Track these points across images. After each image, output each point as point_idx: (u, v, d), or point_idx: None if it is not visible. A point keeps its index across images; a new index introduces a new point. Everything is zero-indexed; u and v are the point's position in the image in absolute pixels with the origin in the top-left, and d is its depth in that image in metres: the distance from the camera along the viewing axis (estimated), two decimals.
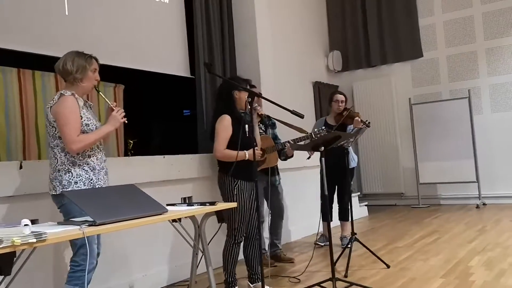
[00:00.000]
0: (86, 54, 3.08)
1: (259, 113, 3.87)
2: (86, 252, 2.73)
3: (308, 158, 5.59)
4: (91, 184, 2.99)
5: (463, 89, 8.65)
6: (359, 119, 5.29)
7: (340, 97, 5.62)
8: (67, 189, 2.89)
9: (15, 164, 3.39)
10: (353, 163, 5.77)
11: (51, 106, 2.97)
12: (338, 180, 5.55)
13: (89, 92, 3.30)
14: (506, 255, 4.66)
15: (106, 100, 3.17)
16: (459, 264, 4.45)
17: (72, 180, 2.93)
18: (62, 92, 3.00)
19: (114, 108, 3.10)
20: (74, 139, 2.90)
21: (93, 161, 3.03)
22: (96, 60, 3.13)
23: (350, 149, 5.60)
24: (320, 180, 5.28)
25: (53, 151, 2.98)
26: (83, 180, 2.95)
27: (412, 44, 9.18)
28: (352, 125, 5.43)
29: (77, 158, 2.97)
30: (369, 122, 5.35)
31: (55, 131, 2.97)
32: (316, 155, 5.49)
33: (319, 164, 5.65)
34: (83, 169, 2.97)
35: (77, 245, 2.86)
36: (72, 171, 2.94)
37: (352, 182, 6.06)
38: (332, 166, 4.77)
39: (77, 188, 2.91)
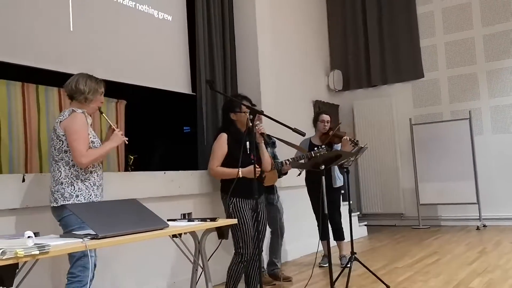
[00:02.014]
0: (97, 78, 3.27)
1: (260, 132, 3.87)
2: (83, 263, 2.88)
3: (298, 174, 5.55)
4: (90, 199, 3.10)
5: (464, 110, 8.69)
6: (347, 138, 5.35)
7: (326, 117, 5.72)
8: (68, 202, 2.99)
9: (17, 177, 3.41)
10: (339, 182, 5.75)
11: (61, 121, 3.10)
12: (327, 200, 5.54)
13: (93, 112, 3.45)
14: (506, 277, 4.64)
15: (108, 121, 3.38)
16: (459, 286, 4.43)
17: (74, 193, 3.04)
18: (73, 109, 3.13)
19: (115, 128, 3.30)
20: (84, 153, 3.04)
21: (94, 177, 3.17)
22: (103, 84, 3.33)
23: (336, 169, 5.62)
24: (320, 199, 5.27)
25: (57, 165, 3.09)
26: (83, 195, 3.07)
27: (413, 64, 9.25)
28: (339, 144, 5.47)
29: (80, 172, 3.10)
30: (357, 141, 5.41)
31: (62, 144, 3.09)
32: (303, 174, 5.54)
33: (304, 184, 5.73)
34: (85, 184, 3.10)
35: (75, 257, 2.94)
36: (75, 184, 3.07)
37: (341, 202, 6.05)
38: (317, 185, 4.77)
39: (77, 202, 3.01)
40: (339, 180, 5.75)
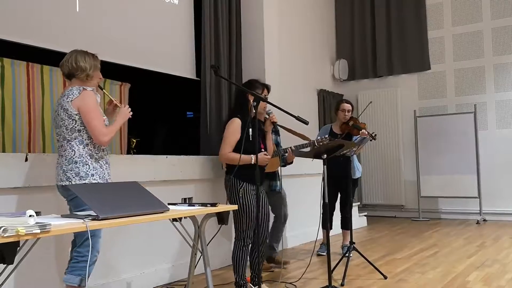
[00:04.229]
0: (92, 54, 3.23)
1: (273, 121, 3.93)
2: (92, 243, 2.87)
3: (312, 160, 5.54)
4: (104, 178, 3.12)
5: (469, 104, 8.65)
6: (366, 131, 5.32)
7: (347, 106, 5.62)
8: (84, 181, 3.00)
9: (20, 156, 3.42)
10: (358, 173, 5.77)
11: (71, 100, 3.04)
12: (341, 189, 5.56)
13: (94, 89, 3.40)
14: (504, 272, 4.66)
15: (110, 97, 3.38)
16: (457, 279, 4.45)
17: (89, 172, 3.05)
18: (83, 87, 3.09)
19: (118, 104, 3.30)
20: (104, 132, 3.07)
21: (105, 155, 3.20)
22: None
23: (355, 159, 5.61)
24: (322, 188, 5.29)
25: (70, 144, 3.07)
26: (98, 173, 3.09)
27: (420, 56, 9.19)
28: (357, 136, 5.44)
29: (94, 151, 3.11)
30: (375, 135, 5.36)
31: (75, 124, 3.06)
32: (318, 162, 5.50)
33: (321, 172, 5.69)
34: (99, 163, 3.12)
35: (84, 236, 2.92)
36: (90, 164, 3.07)
37: (355, 192, 6.06)
38: (336, 174, 4.77)
39: (93, 181, 3.03)
40: (358, 171, 5.75)
